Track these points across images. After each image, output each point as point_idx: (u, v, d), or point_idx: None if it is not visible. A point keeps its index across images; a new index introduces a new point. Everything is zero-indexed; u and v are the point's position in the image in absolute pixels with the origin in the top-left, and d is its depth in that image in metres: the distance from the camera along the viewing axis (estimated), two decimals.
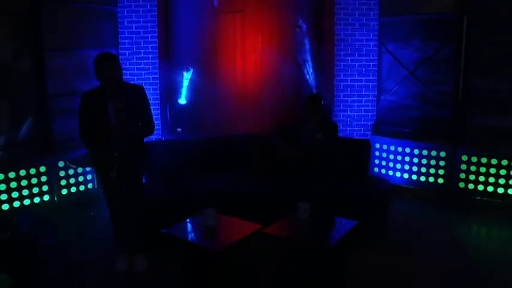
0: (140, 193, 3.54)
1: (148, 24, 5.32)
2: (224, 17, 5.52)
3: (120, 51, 5.34)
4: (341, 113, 5.57)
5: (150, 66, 5.41)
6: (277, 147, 4.34)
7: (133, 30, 5.32)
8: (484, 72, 4.76)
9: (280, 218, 3.26)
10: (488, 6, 4.64)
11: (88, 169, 5.02)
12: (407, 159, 5.24)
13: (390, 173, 5.38)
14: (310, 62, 5.50)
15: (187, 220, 3.30)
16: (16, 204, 4.62)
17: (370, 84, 5.55)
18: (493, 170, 4.74)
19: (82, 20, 5.01)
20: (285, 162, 4.22)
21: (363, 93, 5.57)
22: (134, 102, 3.35)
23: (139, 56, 5.37)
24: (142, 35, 5.34)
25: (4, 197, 4.54)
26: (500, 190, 4.72)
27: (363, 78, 5.54)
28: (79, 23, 4.99)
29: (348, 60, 5.50)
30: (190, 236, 3.18)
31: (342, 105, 5.57)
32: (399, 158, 5.31)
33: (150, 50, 5.39)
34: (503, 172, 4.69)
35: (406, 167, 5.25)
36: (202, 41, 5.46)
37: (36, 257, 3.43)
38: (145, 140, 3.53)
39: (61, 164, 4.93)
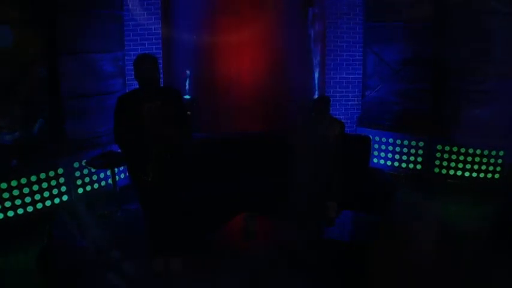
0: (177, 197, 3.49)
1: (153, 27, 5.52)
2: (221, 18, 5.81)
3: (125, 53, 5.51)
4: (330, 107, 6.15)
5: None
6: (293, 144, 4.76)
7: (138, 32, 5.50)
8: (457, 74, 5.55)
9: (306, 217, 3.56)
10: (461, 18, 5.37)
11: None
12: (390, 148, 6.00)
13: (375, 160, 6.13)
14: (303, 62, 5.99)
15: (228, 225, 3.40)
16: (39, 206, 4.81)
17: (356, 81, 6.20)
18: (461, 158, 5.62)
19: (90, 24, 5.12)
20: (300, 160, 4.66)
21: (350, 89, 6.21)
22: (170, 104, 3.29)
23: None
24: (146, 36, 5.53)
25: (28, 199, 4.73)
26: (467, 174, 5.63)
27: (350, 76, 6.17)
28: (88, 28, 5.10)
29: (337, 59, 6.08)
30: (237, 243, 3.28)
31: (331, 99, 6.15)
32: (383, 147, 6.06)
33: (154, 51, 5.58)
34: (469, 159, 5.59)
35: (389, 155, 6.02)
36: (202, 40, 5.74)
37: (72, 260, 3.69)
38: None
39: (76, 164, 5.14)
